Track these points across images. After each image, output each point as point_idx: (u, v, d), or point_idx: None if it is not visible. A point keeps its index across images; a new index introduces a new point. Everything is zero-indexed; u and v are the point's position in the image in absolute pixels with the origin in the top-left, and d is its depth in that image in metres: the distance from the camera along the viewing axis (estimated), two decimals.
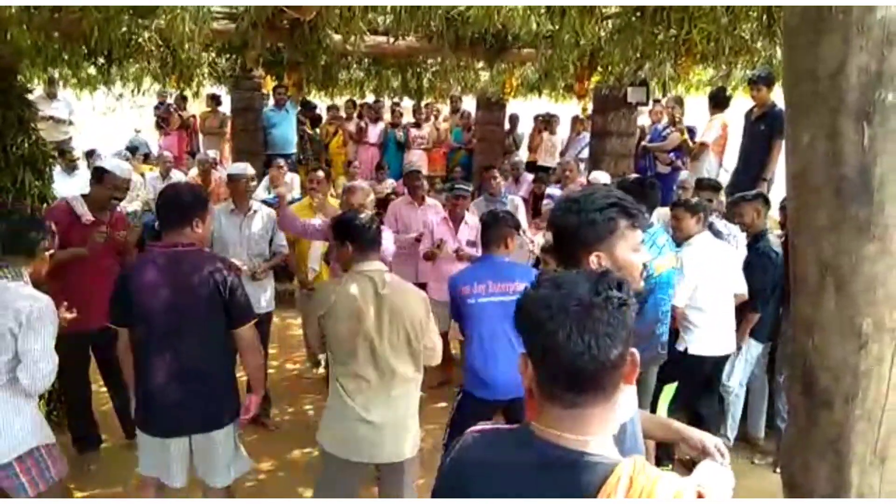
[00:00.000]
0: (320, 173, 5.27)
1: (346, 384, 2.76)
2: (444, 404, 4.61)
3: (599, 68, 5.72)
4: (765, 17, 3.92)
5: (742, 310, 4.03)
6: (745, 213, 4.09)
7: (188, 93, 8.45)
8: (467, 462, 1.21)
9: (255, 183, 4.38)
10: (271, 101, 9.22)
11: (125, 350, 2.76)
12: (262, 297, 4.25)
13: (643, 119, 8.33)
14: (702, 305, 3.82)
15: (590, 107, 7.46)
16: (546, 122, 9.89)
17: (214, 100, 9.77)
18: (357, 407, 2.73)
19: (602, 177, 5.65)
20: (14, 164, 3.98)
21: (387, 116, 10.14)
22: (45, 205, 4.18)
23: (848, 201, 1.39)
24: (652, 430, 1.77)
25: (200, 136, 10.32)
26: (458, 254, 4.74)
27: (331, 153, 9.76)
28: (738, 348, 4.08)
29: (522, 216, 5.61)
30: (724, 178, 6.33)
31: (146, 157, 9.30)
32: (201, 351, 2.68)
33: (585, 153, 7.83)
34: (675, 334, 3.91)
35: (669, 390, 3.84)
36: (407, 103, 10.10)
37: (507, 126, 10.10)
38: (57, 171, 5.13)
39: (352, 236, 2.82)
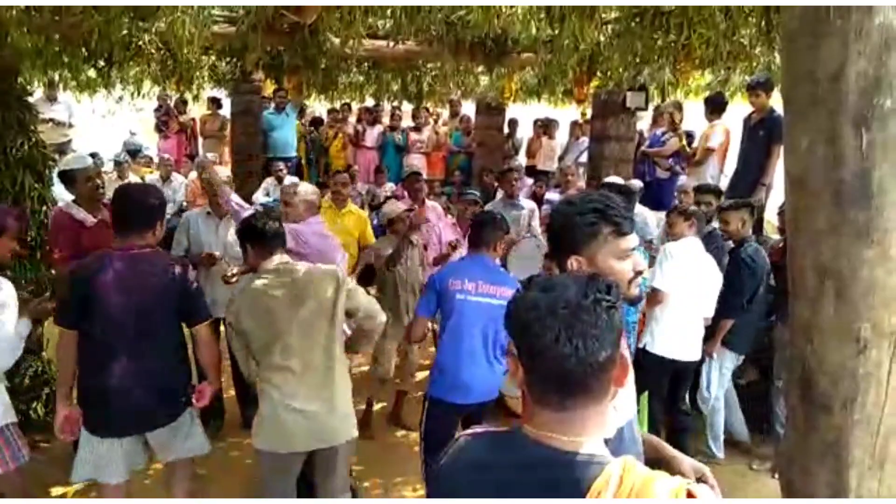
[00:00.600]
0: (346, 176, 5.35)
1: (270, 378, 2.76)
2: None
3: (599, 73, 5.74)
4: (763, 22, 3.93)
5: (717, 317, 4.01)
6: (730, 221, 4.09)
7: (188, 96, 8.47)
8: (461, 466, 1.22)
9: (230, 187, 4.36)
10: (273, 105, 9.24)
11: (65, 350, 2.70)
12: None
13: (642, 124, 8.34)
14: (670, 302, 3.80)
15: (589, 111, 7.47)
16: (545, 127, 9.91)
17: (215, 103, 9.79)
18: (285, 398, 2.73)
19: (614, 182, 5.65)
20: (14, 167, 3.99)
21: (386, 120, 10.16)
22: (44, 207, 4.18)
23: (847, 206, 1.39)
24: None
25: (200, 140, 10.34)
26: None
27: (330, 156, 9.77)
28: (710, 356, 4.06)
29: (537, 220, 5.62)
30: (724, 184, 6.34)
31: (149, 161, 9.31)
32: (159, 351, 2.70)
33: (584, 158, 7.84)
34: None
35: (643, 400, 3.84)
36: (407, 107, 10.12)
37: (506, 130, 10.12)
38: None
39: (250, 239, 2.87)
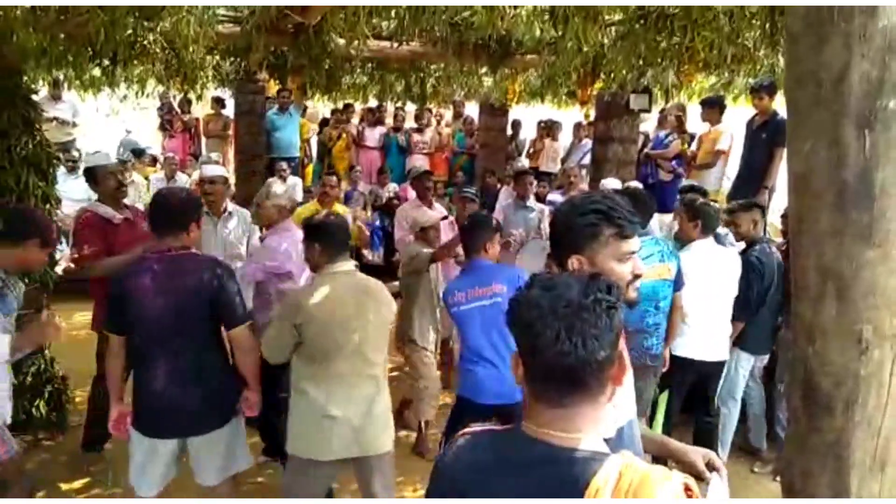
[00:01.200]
0: (334, 178, 5.32)
1: (319, 384, 2.75)
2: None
3: (602, 75, 5.74)
4: (767, 25, 3.93)
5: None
6: (741, 222, 4.08)
7: (192, 95, 8.48)
8: (460, 463, 1.23)
9: (227, 185, 4.36)
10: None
11: (114, 357, 2.76)
12: None
13: (646, 126, 8.34)
14: (692, 308, 3.80)
15: (592, 113, 7.47)
16: (548, 129, 9.91)
17: (219, 102, 9.81)
18: (332, 404, 2.73)
19: (611, 184, 5.66)
20: (18, 165, 3.99)
21: (389, 121, 10.17)
22: (48, 205, 4.18)
23: (849, 207, 1.39)
24: (644, 445, 1.77)
25: (203, 139, 10.35)
26: None
27: (334, 157, 9.78)
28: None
29: (547, 223, 5.61)
30: (727, 186, 6.34)
31: (154, 161, 9.33)
32: (198, 354, 2.70)
33: (587, 160, 7.84)
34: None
35: (663, 399, 3.84)
36: (411, 108, 10.13)
37: (509, 132, 10.12)
38: (60, 172, 5.16)
39: (321, 238, 2.85)
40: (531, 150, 10.27)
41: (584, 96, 6.68)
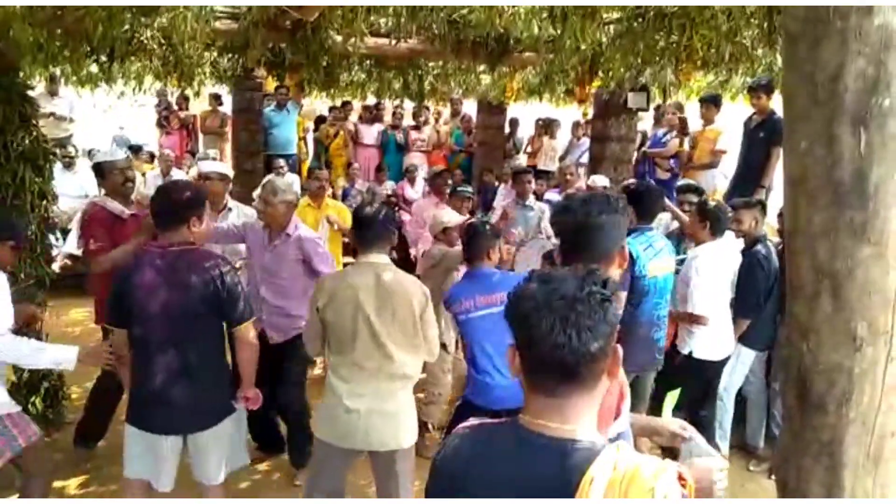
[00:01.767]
0: (325, 173, 5.30)
1: (341, 373, 2.80)
2: None
3: (600, 73, 5.74)
4: (765, 24, 3.93)
5: (734, 317, 4.04)
6: (743, 220, 4.10)
7: (189, 92, 8.47)
8: (458, 457, 1.24)
9: (226, 182, 4.29)
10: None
11: (120, 350, 2.77)
12: None
13: (646, 124, 8.34)
14: (707, 310, 3.83)
15: (590, 111, 7.48)
16: (546, 127, 9.91)
17: (216, 99, 9.79)
18: (349, 395, 2.76)
19: (601, 180, 5.67)
20: (14, 161, 3.98)
21: (388, 118, 10.16)
22: (44, 202, 4.17)
23: (844, 206, 1.40)
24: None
25: (200, 136, 10.34)
26: None
27: (331, 154, 9.78)
28: None
29: (548, 222, 5.63)
30: (723, 185, 6.35)
31: (152, 157, 9.31)
32: (199, 349, 2.69)
33: (586, 158, 7.85)
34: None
35: (673, 396, 3.86)
36: (409, 105, 10.13)
37: (507, 130, 10.12)
38: (57, 168, 5.15)
39: (355, 227, 2.89)
40: (529, 149, 10.27)
41: (582, 94, 6.69)
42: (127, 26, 4.17)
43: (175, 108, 10.34)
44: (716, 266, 3.87)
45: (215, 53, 6.65)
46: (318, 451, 2.96)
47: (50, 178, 4.29)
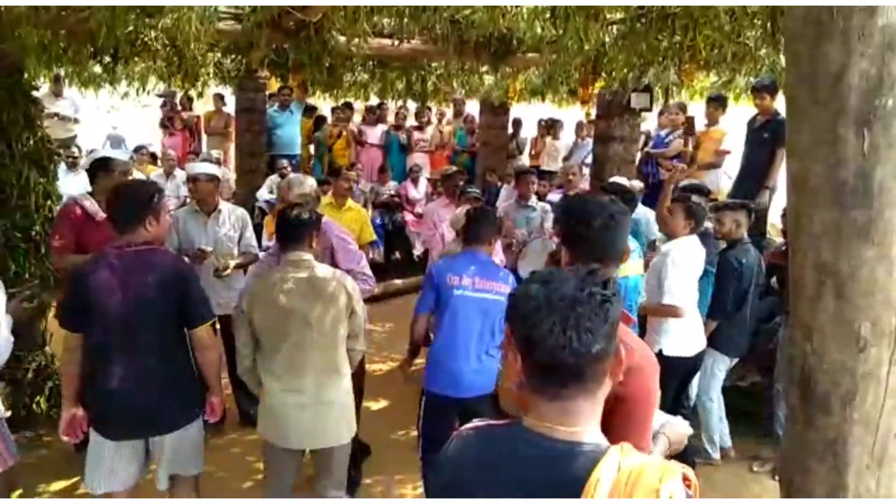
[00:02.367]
0: (354, 174, 5.28)
1: (273, 371, 2.80)
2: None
3: (603, 73, 5.74)
4: (769, 24, 3.93)
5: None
6: (724, 222, 4.09)
7: (192, 93, 8.49)
8: (462, 459, 1.23)
9: (215, 183, 4.21)
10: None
11: (70, 353, 2.65)
12: (231, 295, 4.05)
13: (649, 124, 8.33)
14: (682, 305, 3.77)
15: (593, 112, 7.47)
16: (549, 127, 9.91)
17: (221, 99, 9.81)
18: (285, 394, 2.78)
19: (621, 181, 5.65)
20: (19, 161, 4.00)
21: (391, 119, 10.17)
22: (48, 202, 4.19)
23: (848, 206, 1.40)
24: None
25: (204, 137, 10.36)
26: None
27: (334, 155, 9.79)
28: None
29: (550, 222, 5.63)
30: (727, 185, 6.34)
31: (154, 157, 9.33)
32: (159, 351, 2.63)
33: (590, 159, 7.84)
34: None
35: None
36: (412, 106, 10.14)
37: (510, 130, 10.12)
38: (61, 168, 5.17)
39: (278, 229, 2.92)
40: (532, 150, 10.28)
41: (585, 95, 6.68)
42: (131, 27, 4.17)
43: (179, 108, 10.37)
44: (693, 261, 3.85)
45: (219, 54, 6.68)
46: (267, 453, 2.97)
47: (54, 178, 4.32)
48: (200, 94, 7.87)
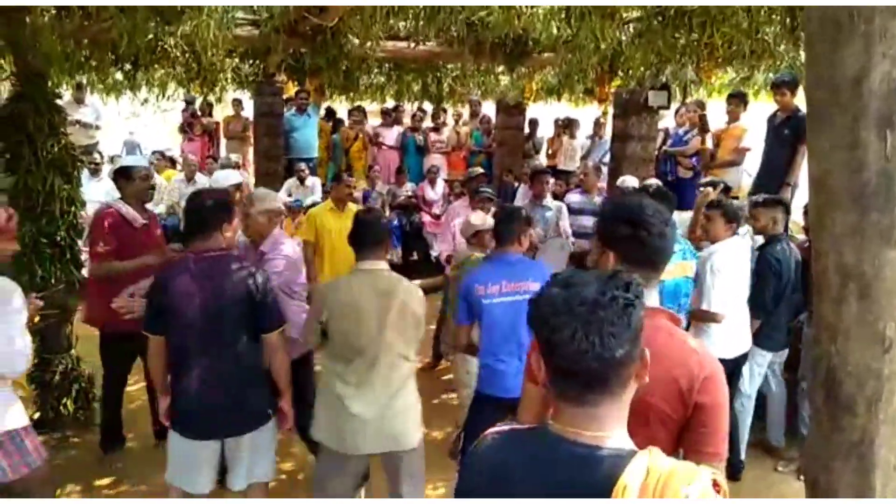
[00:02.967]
0: (353, 179, 5.31)
1: (345, 378, 2.81)
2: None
3: (620, 72, 5.72)
4: (788, 20, 3.90)
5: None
6: (760, 218, 4.06)
7: (211, 97, 8.57)
8: (488, 462, 1.23)
9: (241, 191, 4.26)
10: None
11: (156, 357, 2.80)
12: None
13: (667, 122, 8.27)
14: (725, 308, 3.78)
15: (610, 110, 7.44)
16: (566, 127, 9.87)
17: (239, 104, 9.90)
18: (350, 399, 2.79)
19: (630, 181, 5.64)
20: (44, 168, 4.06)
21: (407, 121, 10.19)
22: (73, 208, 4.25)
23: (869, 208, 1.39)
24: None
25: (223, 141, 10.46)
26: None
27: (351, 157, 9.84)
28: None
29: (566, 221, 5.60)
30: (748, 182, 6.28)
31: (172, 162, 9.45)
32: (236, 355, 2.72)
33: (608, 157, 7.81)
34: None
35: None
36: (428, 108, 10.15)
37: (526, 130, 10.10)
38: (84, 174, 5.24)
39: (353, 234, 2.92)
40: (549, 150, 10.24)
41: (603, 94, 6.66)
42: (151, 35, 4.24)
43: (199, 114, 10.49)
44: (733, 263, 3.82)
45: (237, 59, 6.74)
46: (327, 461, 2.95)
47: (78, 184, 4.37)
48: (219, 99, 7.94)
